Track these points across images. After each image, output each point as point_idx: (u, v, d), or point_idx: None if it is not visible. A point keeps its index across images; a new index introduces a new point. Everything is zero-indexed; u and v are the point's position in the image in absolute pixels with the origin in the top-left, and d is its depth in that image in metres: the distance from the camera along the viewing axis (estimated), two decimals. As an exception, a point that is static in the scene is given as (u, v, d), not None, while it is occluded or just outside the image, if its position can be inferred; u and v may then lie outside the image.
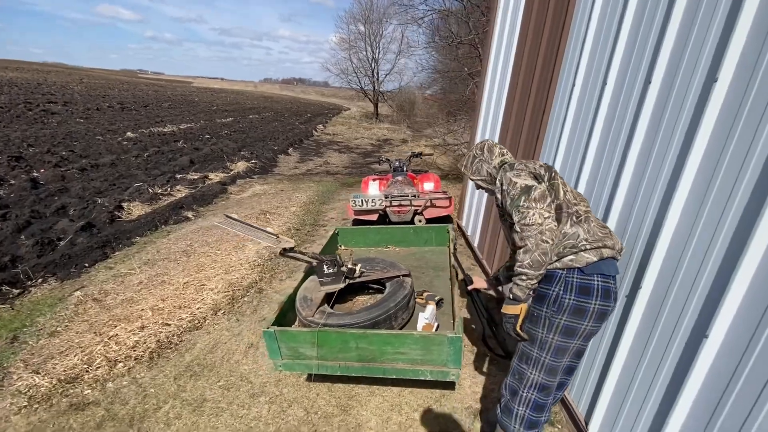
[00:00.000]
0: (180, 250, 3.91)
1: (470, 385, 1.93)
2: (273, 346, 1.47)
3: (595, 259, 1.22)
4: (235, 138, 12.09)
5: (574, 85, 1.94)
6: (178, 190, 6.31)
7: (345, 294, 1.84)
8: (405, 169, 3.47)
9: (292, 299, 1.71)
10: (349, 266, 1.69)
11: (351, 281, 1.71)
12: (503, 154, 1.49)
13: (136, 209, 5.26)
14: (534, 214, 1.15)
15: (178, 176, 7.02)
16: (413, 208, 2.98)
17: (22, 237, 4.09)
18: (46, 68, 59.00)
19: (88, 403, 1.86)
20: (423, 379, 1.48)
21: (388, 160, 3.73)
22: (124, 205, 5.26)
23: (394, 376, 1.48)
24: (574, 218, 1.27)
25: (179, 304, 2.73)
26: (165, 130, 12.59)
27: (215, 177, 7.41)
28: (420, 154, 3.96)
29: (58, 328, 2.53)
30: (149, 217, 5.03)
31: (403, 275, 1.78)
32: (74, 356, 2.17)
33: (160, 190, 6.08)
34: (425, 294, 1.84)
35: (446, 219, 3.18)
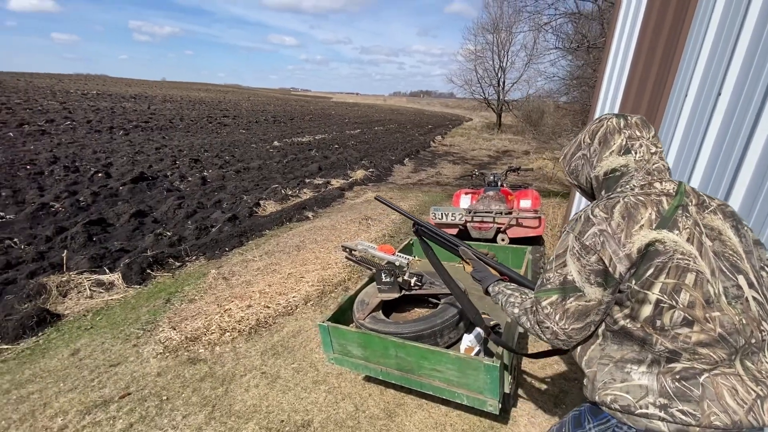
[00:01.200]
0: (293, 245, 4.51)
1: (526, 424, 1.77)
2: (326, 340, 1.64)
3: None
4: (359, 148, 13.21)
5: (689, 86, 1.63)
6: (304, 193, 7.24)
7: (406, 304, 1.90)
8: (500, 183, 3.33)
9: (351, 300, 1.86)
10: (405, 277, 1.76)
11: (406, 292, 1.77)
12: (627, 150, 0.91)
13: (270, 207, 6.25)
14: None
15: (307, 180, 8.05)
16: (495, 225, 2.84)
17: (189, 222, 5.30)
18: (225, 89, 74.17)
19: (200, 360, 2.36)
20: (459, 402, 1.44)
21: (483, 173, 3.63)
22: (261, 202, 6.30)
23: (431, 393, 1.48)
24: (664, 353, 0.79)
25: (280, 291, 3.19)
26: (303, 140, 14.53)
27: (336, 183, 8.25)
28: (518, 169, 3.73)
29: (195, 297, 3.23)
30: (278, 214, 5.91)
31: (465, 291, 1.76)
32: (199, 321, 2.76)
33: (290, 192, 7.08)
34: (485, 317, 1.77)
35: (538, 241, 2.93)
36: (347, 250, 1.83)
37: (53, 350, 2.66)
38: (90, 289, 3.51)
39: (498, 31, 20.74)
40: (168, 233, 4.80)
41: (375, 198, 1.67)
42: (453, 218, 2.88)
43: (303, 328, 2.70)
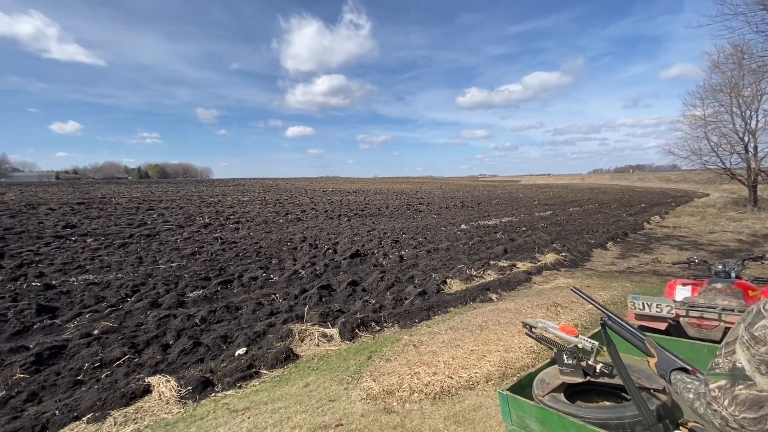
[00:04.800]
0: (476, 324, 4.64)
1: None
2: (504, 409, 1.70)
3: None
4: (549, 230, 12.55)
5: None
6: (489, 274, 7.36)
7: (590, 392, 1.77)
8: (734, 275, 2.64)
9: (532, 377, 1.87)
10: (590, 362, 1.68)
11: (591, 378, 1.67)
12: None
13: (455, 285, 6.64)
14: None
15: (491, 262, 8.19)
16: (723, 324, 2.24)
17: (388, 293, 6.20)
18: (421, 180, 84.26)
19: (393, 411, 2.72)
20: None
21: (705, 261, 2.96)
22: (448, 281, 6.77)
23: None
24: None
25: (463, 365, 3.34)
26: (489, 223, 14.92)
27: (522, 266, 8.05)
28: (762, 257, 2.86)
29: (390, 358, 3.75)
30: (463, 293, 6.21)
31: (655, 390, 1.53)
32: (393, 378, 3.19)
33: (474, 273, 7.35)
34: (690, 424, 1.48)
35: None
36: (527, 326, 1.92)
37: (293, 381, 3.56)
38: (318, 339, 4.54)
39: (737, 91, 16.96)
40: (372, 301, 5.76)
41: (571, 289, 1.76)
42: (659, 310, 2.47)
43: (484, 404, 2.74)
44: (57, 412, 2.98)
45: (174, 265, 8.05)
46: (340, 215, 17.39)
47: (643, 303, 2.54)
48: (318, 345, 4.42)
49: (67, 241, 10.40)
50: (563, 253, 8.99)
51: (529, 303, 5.37)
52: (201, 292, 6.21)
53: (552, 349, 1.85)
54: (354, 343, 4.42)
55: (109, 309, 5.39)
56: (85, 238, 10.94)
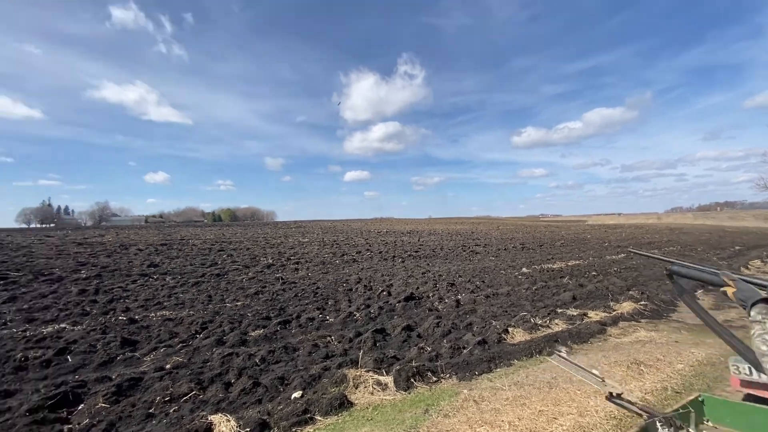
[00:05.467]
0: (545, 381, 4.22)
1: None
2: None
3: None
4: (624, 276, 11.41)
5: None
6: (556, 324, 6.77)
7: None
8: None
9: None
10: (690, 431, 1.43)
11: None
12: None
13: (518, 335, 6.17)
14: None
15: (559, 310, 7.55)
16: None
17: (445, 341, 5.92)
18: (477, 221, 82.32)
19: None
20: None
21: None
22: (510, 329, 6.33)
23: None
24: None
25: (531, 428, 3.01)
26: (554, 266, 13.95)
27: (595, 316, 7.32)
28: None
29: (449, 413, 3.50)
30: (527, 344, 5.74)
31: None
32: (453, 437, 2.95)
33: (540, 321, 6.80)
34: None
35: None
36: (610, 394, 1.70)
37: (347, 428, 3.45)
38: (372, 386, 4.41)
39: None
40: (428, 348, 5.52)
41: (629, 250, 1.81)
42: (773, 377, 2.05)
43: (558, 478, 2.41)
44: (130, 444, 3.14)
45: (239, 303, 8.48)
46: (394, 256, 17.39)
47: (749, 368, 2.13)
48: (372, 393, 4.28)
49: (150, 279, 11.50)
50: (642, 302, 8.06)
51: (605, 359, 4.79)
52: (262, 331, 6.42)
53: (641, 416, 1.62)
54: (409, 393, 4.22)
55: (180, 344, 5.75)
56: (165, 276, 12.03)
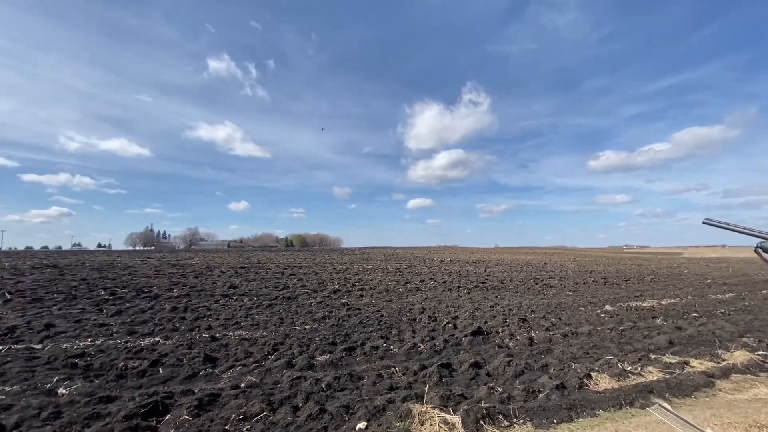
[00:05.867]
0: (639, 439, 3.66)
1: None
2: None
3: None
4: (734, 320, 9.73)
5: None
6: (650, 372, 5.93)
7: None
8: None
9: None
10: None
11: None
12: None
13: (603, 382, 5.50)
14: None
15: (652, 356, 6.62)
16: None
17: (517, 382, 5.48)
18: (550, 251, 76.86)
19: None
20: None
21: None
22: (593, 374, 5.67)
23: None
24: None
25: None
26: (643, 304, 12.39)
27: (698, 365, 6.28)
28: None
29: (525, 465, 3.17)
30: (615, 393, 5.08)
31: None
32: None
33: (629, 367, 6.01)
34: None
35: None
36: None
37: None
38: (438, 425, 4.18)
39: None
40: (498, 389, 5.14)
41: (704, 221, 1.41)
42: None
43: None
44: (207, 459, 3.31)
45: (307, 327, 8.76)
46: (459, 287, 16.82)
47: None
48: (439, 432, 4.06)
49: (230, 300, 12.44)
50: (761, 352, 6.75)
51: (716, 418, 4.04)
52: (328, 356, 6.52)
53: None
54: (479, 437, 3.92)
55: (254, 364, 6.06)
56: (242, 297, 12.94)
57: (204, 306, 11.13)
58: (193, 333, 8.04)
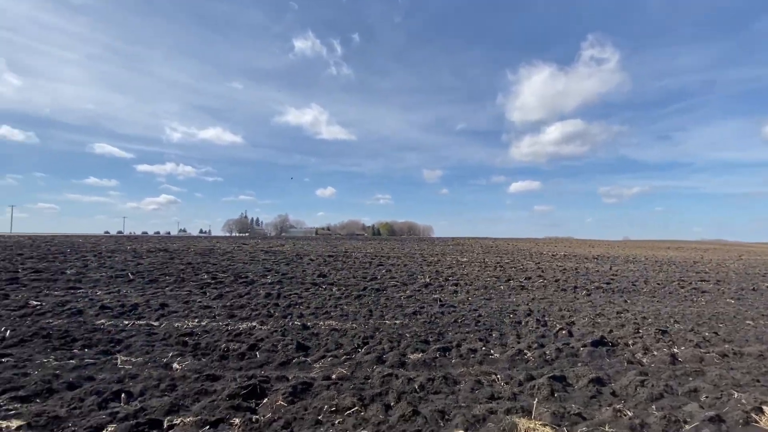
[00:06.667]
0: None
1: None
2: None
3: None
4: None
5: None
6: None
7: None
8: None
9: None
10: None
11: None
12: None
13: (781, 420, 4.63)
14: None
15: None
16: None
17: (653, 406, 4.91)
18: (702, 246, 66.46)
19: None
20: None
21: None
22: (766, 409, 4.82)
23: None
24: None
25: None
26: None
27: None
28: None
29: None
30: (800, 436, 4.25)
31: None
32: None
33: (824, 406, 4.95)
34: None
35: None
36: None
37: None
38: (550, 445, 4.00)
39: None
40: (628, 413, 4.69)
41: None
42: None
43: None
44: (302, 446, 3.68)
45: (397, 322, 9.05)
46: (576, 287, 15.59)
47: None
48: (550, 454, 3.88)
49: (319, 289, 13.46)
50: None
51: None
52: (420, 355, 6.66)
53: None
54: (602, 467, 3.64)
55: (344, 357, 6.50)
56: (331, 287, 13.88)
57: (295, 293, 12.24)
58: (286, 320, 8.91)
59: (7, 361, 5.84)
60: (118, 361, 6.04)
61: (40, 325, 7.76)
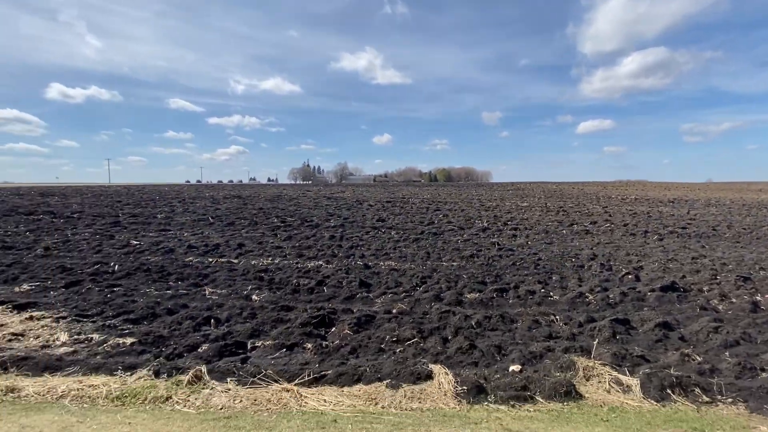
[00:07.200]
0: None
1: None
2: None
3: None
4: None
5: None
6: None
7: None
8: None
9: None
10: None
11: None
12: None
13: None
14: None
15: None
16: None
17: (726, 353, 4.64)
18: (808, 189, 57.97)
19: None
20: None
21: None
22: None
23: None
24: None
25: None
26: None
27: None
28: None
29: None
30: None
31: None
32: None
33: None
34: None
35: None
36: None
37: (575, 423, 3.26)
38: (609, 384, 3.96)
39: None
40: (697, 357, 4.47)
41: None
42: None
43: None
44: (368, 369, 3.99)
45: (454, 264, 9.13)
46: (646, 231, 14.55)
47: None
48: (609, 392, 3.86)
49: (379, 232, 13.82)
50: None
51: None
52: (477, 295, 6.73)
53: None
54: (663, 406, 3.57)
55: (404, 294, 6.75)
56: (390, 230, 14.19)
57: (356, 236, 12.70)
58: (349, 260, 9.35)
59: (118, 290, 6.79)
60: (206, 292, 6.78)
61: (140, 261, 8.85)
